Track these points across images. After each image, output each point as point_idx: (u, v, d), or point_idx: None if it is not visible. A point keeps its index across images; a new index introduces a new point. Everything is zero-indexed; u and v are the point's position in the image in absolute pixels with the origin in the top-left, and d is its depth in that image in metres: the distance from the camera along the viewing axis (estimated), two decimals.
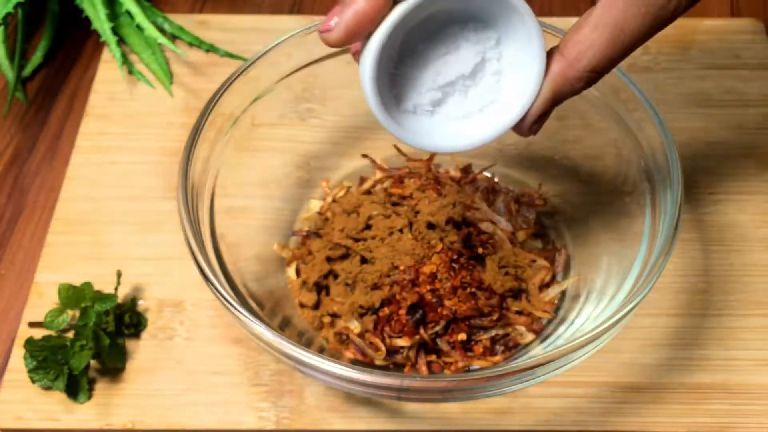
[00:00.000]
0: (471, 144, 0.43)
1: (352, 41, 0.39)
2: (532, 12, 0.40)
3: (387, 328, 0.52)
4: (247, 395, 0.54)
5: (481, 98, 0.43)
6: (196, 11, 0.78)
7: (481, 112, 0.43)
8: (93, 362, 0.54)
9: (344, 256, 0.55)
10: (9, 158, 0.68)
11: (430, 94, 0.43)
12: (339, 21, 0.37)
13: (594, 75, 0.40)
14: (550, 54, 0.41)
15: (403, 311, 0.52)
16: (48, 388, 0.53)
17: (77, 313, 0.55)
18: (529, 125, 0.42)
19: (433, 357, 0.53)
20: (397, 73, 0.41)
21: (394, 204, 0.57)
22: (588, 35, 0.39)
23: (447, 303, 0.51)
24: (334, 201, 0.60)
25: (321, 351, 0.53)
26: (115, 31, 0.71)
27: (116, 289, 0.55)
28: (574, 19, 0.73)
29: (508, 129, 0.43)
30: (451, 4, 0.40)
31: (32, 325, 0.56)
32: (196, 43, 0.72)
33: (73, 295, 0.55)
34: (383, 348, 0.52)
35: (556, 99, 0.41)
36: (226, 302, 0.46)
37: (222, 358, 0.55)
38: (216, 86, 0.53)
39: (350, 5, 0.37)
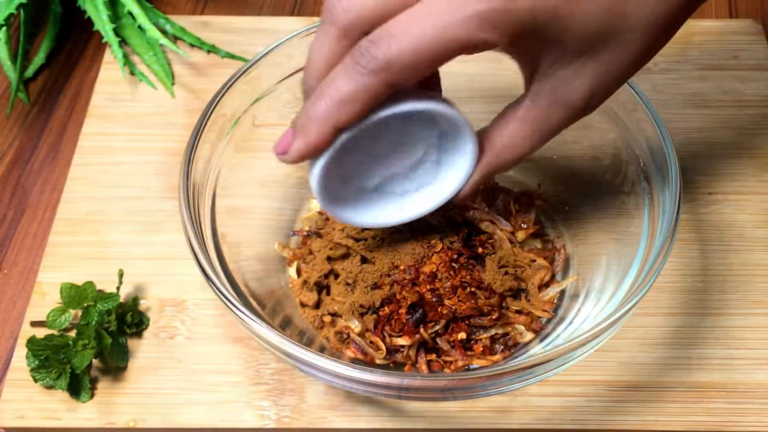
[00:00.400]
0: (407, 219, 0.49)
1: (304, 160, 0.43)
2: (467, 121, 0.43)
3: (387, 328, 0.52)
4: (248, 394, 0.54)
5: (420, 180, 0.48)
6: (197, 12, 0.78)
7: (418, 191, 0.49)
8: (95, 361, 0.55)
9: (345, 256, 0.55)
10: (11, 158, 0.68)
11: (375, 179, 0.47)
12: (293, 149, 0.41)
13: (519, 162, 0.45)
14: (480, 140, 0.45)
15: (403, 310, 0.52)
16: (50, 387, 0.54)
17: (79, 313, 0.55)
18: (459, 200, 0.48)
19: (433, 356, 0.53)
20: (344, 161, 0.44)
21: None
22: (514, 131, 0.44)
23: (447, 302, 0.52)
24: None
25: (322, 350, 0.54)
26: (117, 32, 0.72)
27: (118, 288, 0.56)
28: None
29: (441, 205, 0.48)
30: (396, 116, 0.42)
31: (34, 324, 0.56)
32: (198, 44, 0.73)
33: (76, 295, 0.55)
34: (383, 347, 0.52)
35: (485, 180, 0.47)
36: (227, 302, 0.46)
37: (223, 357, 0.55)
38: (217, 87, 0.54)
39: (302, 136, 0.41)
